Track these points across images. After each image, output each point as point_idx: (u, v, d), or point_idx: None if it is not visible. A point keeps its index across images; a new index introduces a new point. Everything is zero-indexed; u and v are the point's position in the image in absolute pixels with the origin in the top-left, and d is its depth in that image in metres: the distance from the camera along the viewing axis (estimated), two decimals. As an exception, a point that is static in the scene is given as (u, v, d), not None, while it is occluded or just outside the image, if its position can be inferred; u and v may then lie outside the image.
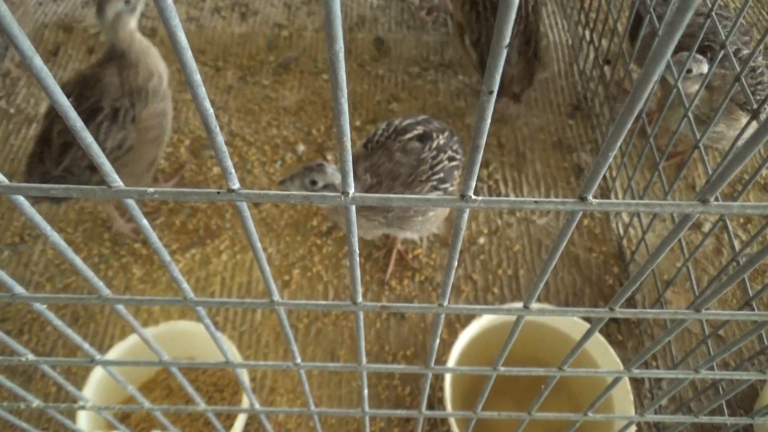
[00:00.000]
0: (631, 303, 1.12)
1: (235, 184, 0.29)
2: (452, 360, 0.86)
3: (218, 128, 0.25)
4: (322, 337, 1.07)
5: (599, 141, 1.34)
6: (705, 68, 0.97)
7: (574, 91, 1.45)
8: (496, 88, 0.23)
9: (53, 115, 1.02)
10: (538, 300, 1.13)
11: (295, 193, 0.29)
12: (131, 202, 0.30)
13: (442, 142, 0.99)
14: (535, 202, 0.29)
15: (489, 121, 0.24)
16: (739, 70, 0.70)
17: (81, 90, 0.99)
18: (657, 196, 1.24)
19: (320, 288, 1.13)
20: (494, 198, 0.29)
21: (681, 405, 0.97)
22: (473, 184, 0.29)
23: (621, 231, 1.20)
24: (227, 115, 1.38)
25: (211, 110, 0.25)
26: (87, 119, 0.97)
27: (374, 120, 1.38)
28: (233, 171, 0.28)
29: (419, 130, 0.99)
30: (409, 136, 0.98)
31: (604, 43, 1.42)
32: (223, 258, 1.16)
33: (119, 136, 1.00)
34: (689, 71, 0.96)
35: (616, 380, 0.50)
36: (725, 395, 0.50)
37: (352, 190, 0.29)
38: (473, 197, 0.30)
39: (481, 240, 1.19)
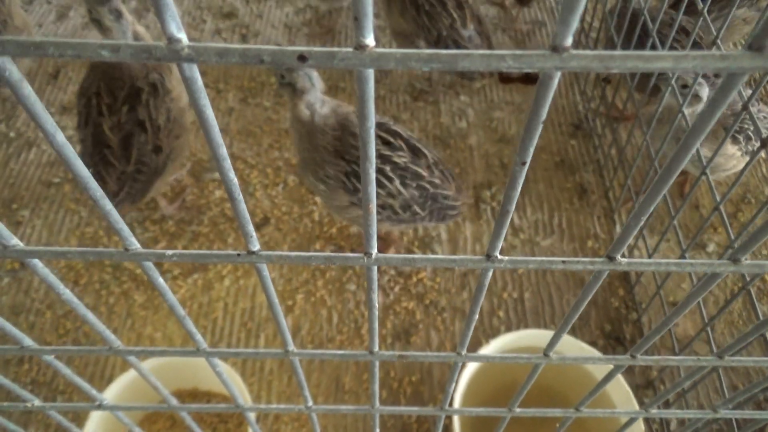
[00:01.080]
0: (637, 326, 1.11)
1: (255, 246, 0.29)
2: (461, 388, 0.85)
3: (241, 196, 0.25)
4: (326, 364, 1.06)
5: (601, 161, 1.34)
6: (706, 92, 0.97)
7: (574, 111, 1.45)
8: (528, 159, 0.22)
9: (91, 119, 1.02)
10: (544, 322, 1.12)
11: (317, 254, 0.28)
12: (149, 265, 0.30)
13: None
14: (563, 261, 0.29)
15: (519, 189, 0.23)
16: (746, 98, 0.70)
17: (107, 81, 1.02)
18: (662, 218, 1.23)
19: (324, 313, 1.12)
20: (521, 258, 0.29)
21: None
22: (499, 244, 0.28)
23: (626, 253, 1.19)
24: (228, 137, 1.38)
25: (235, 180, 0.24)
26: (133, 103, 1.01)
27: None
28: (254, 234, 0.28)
29: None
30: None
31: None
32: (226, 283, 1.15)
33: (164, 108, 1.03)
34: (695, 96, 0.96)
35: (632, 420, 0.50)
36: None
37: (374, 252, 0.29)
38: (499, 257, 0.29)
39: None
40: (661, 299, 1.03)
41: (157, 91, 1.02)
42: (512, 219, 1.25)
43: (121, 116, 1.02)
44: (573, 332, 1.08)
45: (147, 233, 1.21)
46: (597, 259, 0.28)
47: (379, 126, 1.00)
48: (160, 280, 0.31)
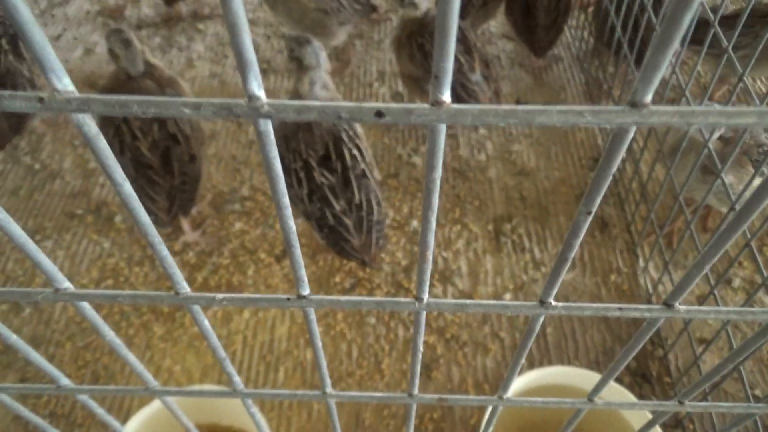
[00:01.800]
0: (663, 363, 1.09)
1: (306, 291, 0.29)
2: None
3: (298, 243, 0.25)
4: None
5: (622, 195, 1.33)
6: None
7: (594, 144, 1.45)
8: (594, 209, 0.22)
9: (126, 145, 1.06)
10: (567, 358, 1.10)
11: (366, 299, 0.28)
12: (197, 309, 0.30)
13: None
14: (619, 308, 0.28)
15: (581, 237, 0.23)
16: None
17: None
18: (684, 252, 1.22)
19: (344, 347, 1.11)
20: (575, 304, 0.28)
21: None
22: (554, 291, 0.28)
23: (650, 287, 1.18)
24: (249, 169, 1.39)
25: (294, 227, 0.24)
26: (160, 120, 1.06)
27: (396, 174, 1.38)
28: (305, 279, 0.27)
29: None
30: None
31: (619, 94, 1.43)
32: (245, 315, 1.15)
33: (185, 118, 1.07)
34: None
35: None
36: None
37: (425, 297, 0.28)
38: (553, 303, 0.29)
39: (507, 296, 1.17)
40: (689, 336, 1.01)
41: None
42: (533, 253, 1.24)
43: (154, 134, 1.06)
44: (598, 369, 1.06)
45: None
46: (654, 307, 0.27)
47: (346, 132, 1.03)
48: (206, 323, 0.31)
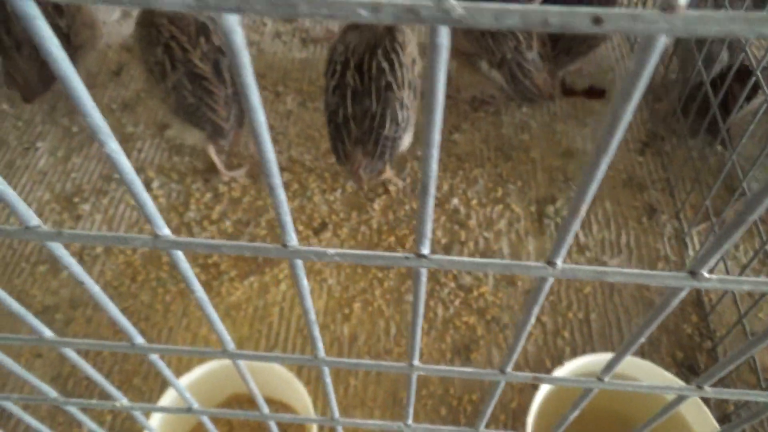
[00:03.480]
0: (711, 356, 1.05)
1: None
2: (532, 412, 0.80)
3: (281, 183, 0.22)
4: (383, 377, 1.02)
5: (671, 180, 1.28)
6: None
7: (643, 127, 1.40)
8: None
9: (178, 60, 1.11)
10: (612, 345, 1.07)
11: (361, 252, 0.25)
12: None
13: None
14: (634, 275, 0.24)
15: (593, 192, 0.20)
16: None
17: (176, 24, 1.12)
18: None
19: (381, 323, 1.09)
20: (586, 267, 0.25)
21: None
22: (563, 251, 0.25)
23: (699, 277, 1.13)
24: (287, 140, 1.36)
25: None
26: (205, 34, 1.13)
27: (436, 150, 1.34)
28: (292, 229, 0.24)
29: None
30: None
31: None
32: (282, 288, 1.13)
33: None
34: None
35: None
36: None
37: (427, 252, 0.25)
38: (560, 265, 0.25)
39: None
40: (744, 328, 0.97)
41: (213, 22, 1.15)
42: (577, 236, 1.21)
43: (203, 48, 1.11)
44: (643, 358, 1.02)
45: (204, 233, 1.19)
46: (679, 274, 0.24)
47: (385, 46, 1.08)
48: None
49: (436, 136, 0.19)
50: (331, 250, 0.27)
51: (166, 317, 1.09)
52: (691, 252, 1.17)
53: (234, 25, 0.16)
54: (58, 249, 0.27)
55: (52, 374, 1.01)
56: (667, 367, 1.04)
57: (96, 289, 0.31)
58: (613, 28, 0.15)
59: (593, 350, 1.06)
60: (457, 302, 1.11)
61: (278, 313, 1.10)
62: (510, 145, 1.37)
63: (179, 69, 1.10)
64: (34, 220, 0.31)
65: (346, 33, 1.11)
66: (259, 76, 1.48)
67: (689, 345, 1.06)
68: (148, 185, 1.27)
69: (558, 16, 0.15)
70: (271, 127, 1.39)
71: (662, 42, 0.15)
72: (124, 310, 1.09)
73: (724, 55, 1.20)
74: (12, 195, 0.26)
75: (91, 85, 1.45)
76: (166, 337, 1.07)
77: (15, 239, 1.18)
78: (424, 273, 0.28)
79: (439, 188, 1.29)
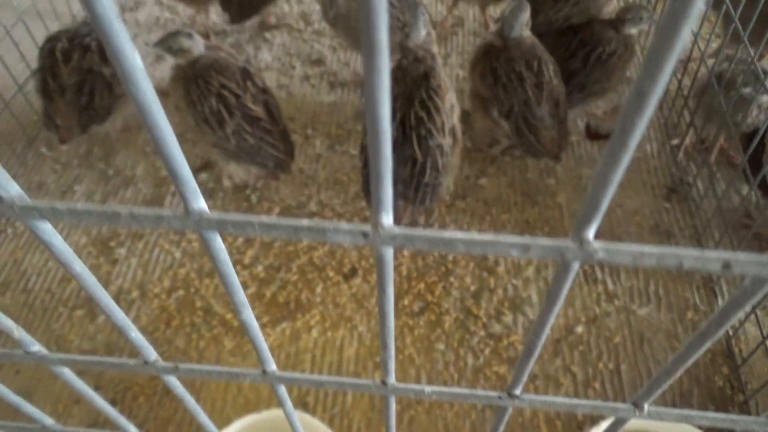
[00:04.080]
0: (744, 409, 1.05)
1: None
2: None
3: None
4: (415, 425, 1.03)
5: (699, 227, 1.29)
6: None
7: (668, 173, 1.41)
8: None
9: (232, 107, 1.19)
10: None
11: (328, 379, 0.27)
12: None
13: None
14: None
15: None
16: None
17: (217, 72, 1.19)
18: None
19: (412, 372, 1.10)
20: (541, 398, 0.26)
21: None
22: (522, 381, 0.26)
23: (729, 330, 1.13)
24: (316, 184, 1.39)
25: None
26: (248, 77, 1.22)
27: (464, 196, 1.37)
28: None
29: None
30: None
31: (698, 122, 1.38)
32: (314, 334, 1.14)
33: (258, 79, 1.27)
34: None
35: None
36: None
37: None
38: (519, 395, 0.27)
39: (579, 329, 1.15)
40: (778, 385, 0.97)
41: (251, 65, 1.26)
42: (606, 284, 1.21)
43: (251, 91, 1.20)
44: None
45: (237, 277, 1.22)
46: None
47: (421, 95, 1.13)
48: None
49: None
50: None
51: (200, 364, 1.10)
52: (720, 301, 1.18)
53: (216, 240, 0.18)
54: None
55: (89, 421, 1.03)
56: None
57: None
58: (740, 271, 0.16)
59: (623, 401, 1.06)
60: (487, 351, 1.12)
61: (310, 361, 1.11)
62: (536, 189, 1.39)
63: (236, 115, 1.18)
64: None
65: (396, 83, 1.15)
66: (289, 119, 1.52)
67: (720, 398, 1.06)
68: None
69: (692, 261, 0.16)
70: (301, 171, 1.42)
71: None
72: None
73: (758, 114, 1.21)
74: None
75: (126, 128, 1.49)
76: (200, 383, 1.08)
77: (55, 286, 1.20)
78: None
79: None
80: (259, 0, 1.66)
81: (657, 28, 0.14)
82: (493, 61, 1.26)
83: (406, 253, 1.25)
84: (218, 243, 0.23)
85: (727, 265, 0.16)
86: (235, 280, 0.26)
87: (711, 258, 0.16)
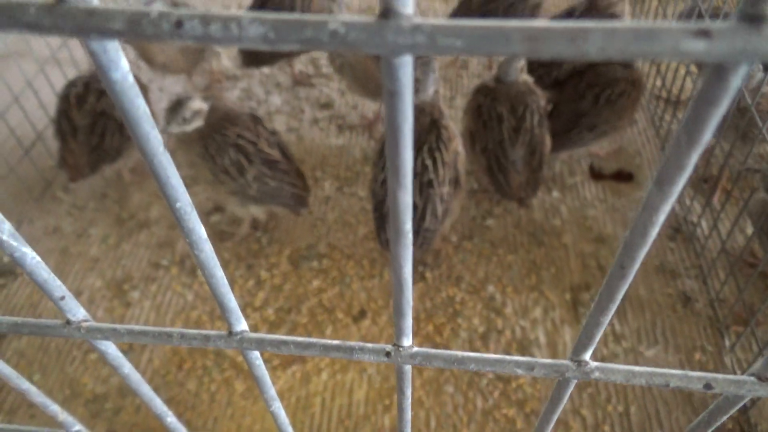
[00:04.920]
0: (755, 452, 1.04)
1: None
2: None
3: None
4: (425, 471, 1.03)
5: (704, 268, 1.30)
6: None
7: (672, 212, 1.43)
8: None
9: (256, 162, 1.24)
10: (650, 440, 1.07)
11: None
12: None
13: None
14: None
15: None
16: None
17: (230, 121, 1.23)
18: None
19: (422, 415, 1.10)
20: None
21: None
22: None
23: (736, 369, 1.14)
24: (326, 226, 1.42)
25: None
26: (262, 124, 1.28)
27: (470, 236, 1.39)
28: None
29: None
30: None
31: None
32: (323, 377, 1.16)
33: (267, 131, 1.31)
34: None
35: None
36: None
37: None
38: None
39: (587, 371, 1.15)
40: (787, 429, 0.97)
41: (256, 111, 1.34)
42: (613, 325, 1.22)
43: (265, 135, 1.25)
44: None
45: (247, 320, 1.23)
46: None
47: (430, 143, 1.18)
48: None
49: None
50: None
51: (211, 407, 1.12)
52: (727, 342, 1.18)
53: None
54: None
55: (102, 466, 1.04)
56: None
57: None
58: (720, 390, 0.19)
59: (634, 446, 1.06)
60: (496, 394, 1.12)
61: (320, 403, 1.12)
62: (542, 230, 1.41)
63: (255, 161, 1.22)
64: None
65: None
66: (299, 162, 1.55)
67: (732, 441, 1.06)
68: (193, 271, 1.33)
69: (677, 380, 0.19)
70: (310, 213, 1.45)
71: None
72: (170, 400, 1.13)
73: None
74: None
75: (139, 172, 1.53)
76: (212, 426, 1.09)
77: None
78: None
79: (474, 274, 1.32)
80: (276, 55, 1.71)
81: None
82: (481, 99, 1.31)
83: (414, 294, 1.27)
84: (257, 357, 0.26)
85: (708, 386, 0.18)
86: (268, 383, 0.28)
87: (694, 378, 0.18)
